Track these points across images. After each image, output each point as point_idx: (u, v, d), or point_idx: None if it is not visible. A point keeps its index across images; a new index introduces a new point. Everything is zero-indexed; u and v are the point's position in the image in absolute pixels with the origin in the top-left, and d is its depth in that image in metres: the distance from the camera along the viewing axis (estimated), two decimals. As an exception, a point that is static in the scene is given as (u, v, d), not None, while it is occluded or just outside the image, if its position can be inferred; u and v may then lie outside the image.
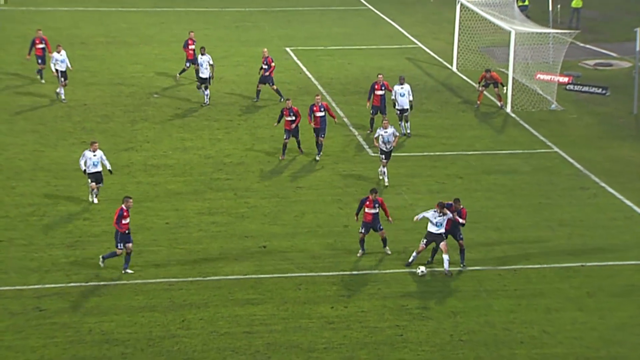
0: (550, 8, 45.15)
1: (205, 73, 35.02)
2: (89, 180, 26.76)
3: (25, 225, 25.83)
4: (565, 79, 36.02)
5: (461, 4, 40.50)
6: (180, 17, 50.28)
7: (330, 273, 23.54)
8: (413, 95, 32.52)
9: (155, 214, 26.66)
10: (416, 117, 34.70)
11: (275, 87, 35.75)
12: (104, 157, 26.80)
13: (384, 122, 28.36)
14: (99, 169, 26.66)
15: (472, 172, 29.91)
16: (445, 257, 23.28)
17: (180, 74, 38.17)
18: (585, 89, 36.04)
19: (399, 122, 32.45)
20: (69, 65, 35.63)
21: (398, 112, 32.32)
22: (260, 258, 24.25)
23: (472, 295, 22.61)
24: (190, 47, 37.48)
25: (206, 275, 23.40)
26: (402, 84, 32.21)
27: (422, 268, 23.33)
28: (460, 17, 40.57)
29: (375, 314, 21.69)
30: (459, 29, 40.55)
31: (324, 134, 30.33)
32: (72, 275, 23.21)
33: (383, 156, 28.37)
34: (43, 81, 37.31)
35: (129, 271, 23.22)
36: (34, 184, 28.56)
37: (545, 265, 24.06)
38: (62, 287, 22.68)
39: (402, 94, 32.03)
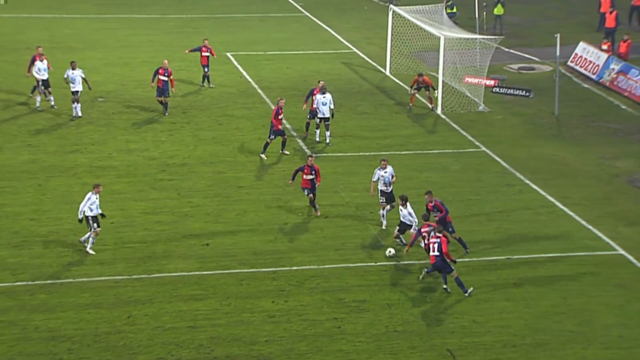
0: (477, 15, 45.59)
1: (77, 87, 33.45)
2: (95, 225, 23.53)
3: (-28, 227, 25.21)
4: (492, 82, 36.33)
5: (393, 11, 40.64)
6: (123, 23, 49.55)
7: (271, 269, 23.41)
8: (334, 104, 31.96)
9: (100, 214, 26.18)
10: (352, 118, 34.72)
11: (167, 100, 34.39)
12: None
13: (383, 162, 26.27)
14: (98, 212, 23.79)
15: (406, 170, 30.02)
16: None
17: (208, 81, 37.66)
18: (510, 91, 36.39)
19: (316, 130, 31.96)
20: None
21: (319, 120, 31.96)
22: (203, 255, 24.00)
23: (406, 288, 22.69)
24: (203, 53, 37.12)
25: (151, 272, 23.08)
26: (324, 93, 31.87)
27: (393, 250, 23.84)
28: (392, 23, 40.69)
29: (314, 308, 21.62)
30: (392, 34, 40.66)
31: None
32: (19, 275, 22.69)
33: (383, 199, 25.83)
34: (32, 95, 35.74)
35: (469, 291, 22.23)
36: (-20, 186, 27.90)
37: (474, 259, 24.24)
38: (8, 286, 22.17)
39: (324, 103, 31.64)
